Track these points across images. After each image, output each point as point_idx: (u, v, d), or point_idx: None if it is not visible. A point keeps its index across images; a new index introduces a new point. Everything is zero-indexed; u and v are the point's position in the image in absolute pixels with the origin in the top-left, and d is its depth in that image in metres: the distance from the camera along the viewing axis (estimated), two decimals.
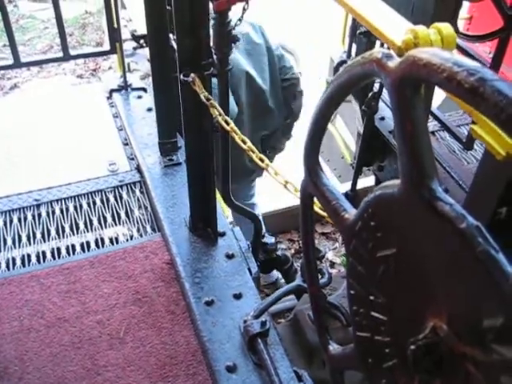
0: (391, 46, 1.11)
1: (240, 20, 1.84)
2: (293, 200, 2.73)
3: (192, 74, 1.87)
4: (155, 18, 2.41)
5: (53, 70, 6.24)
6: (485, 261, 0.66)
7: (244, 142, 1.78)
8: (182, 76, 1.90)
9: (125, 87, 3.21)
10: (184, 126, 2.12)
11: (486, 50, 3.97)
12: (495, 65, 2.66)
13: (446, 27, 1.07)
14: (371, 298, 0.97)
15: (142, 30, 2.54)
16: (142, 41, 2.55)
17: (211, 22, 1.82)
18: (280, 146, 3.56)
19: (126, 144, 2.95)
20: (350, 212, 0.99)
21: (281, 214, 4.27)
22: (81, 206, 2.66)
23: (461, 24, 4.33)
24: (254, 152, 1.79)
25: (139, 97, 3.19)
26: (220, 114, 1.84)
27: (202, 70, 1.87)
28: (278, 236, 4.13)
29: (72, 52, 3.17)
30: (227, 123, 1.83)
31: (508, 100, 0.56)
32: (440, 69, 0.63)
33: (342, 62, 3.42)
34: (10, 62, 3.06)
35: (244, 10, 1.80)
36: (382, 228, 0.88)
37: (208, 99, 1.85)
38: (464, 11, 4.28)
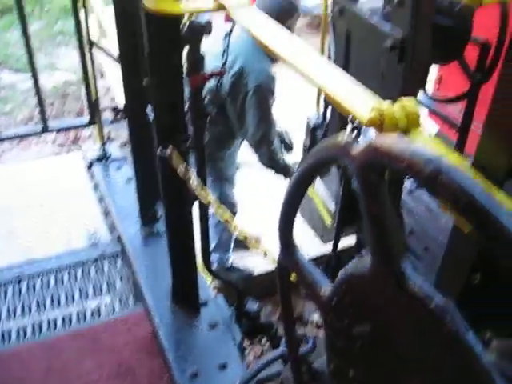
0: (359, 121, 1.15)
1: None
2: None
3: (169, 149, 1.90)
4: (133, 92, 2.46)
5: (33, 140, 6.26)
6: (454, 340, 0.67)
7: (223, 214, 1.80)
8: (159, 150, 1.94)
9: (104, 158, 3.24)
10: (163, 198, 2.14)
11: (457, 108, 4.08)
12: (465, 125, 2.74)
13: (409, 104, 1.12)
14: (350, 370, 0.98)
15: (121, 97, 2.59)
16: (120, 114, 2.60)
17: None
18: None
19: (107, 215, 2.96)
20: (326, 287, 1.00)
21: (264, 276, 4.26)
22: (62, 279, 2.64)
23: (431, 84, 4.46)
24: (232, 220, 1.81)
25: (119, 167, 3.22)
26: (198, 187, 1.87)
27: (179, 145, 1.91)
28: (261, 300, 4.11)
29: (52, 123, 3.21)
30: (205, 195, 1.86)
31: (463, 189, 0.59)
32: (400, 158, 0.66)
33: (316, 126, 3.50)
34: None
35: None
36: (355, 305, 0.90)
37: (186, 172, 1.88)
38: (433, 73, 4.42)
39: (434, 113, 2.96)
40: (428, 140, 1.07)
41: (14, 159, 5.92)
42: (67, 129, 3.91)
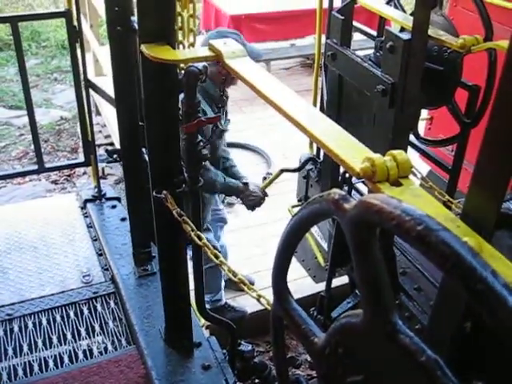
0: (351, 172, 1.18)
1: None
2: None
3: (164, 192, 1.93)
4: (128, 133, 2.49)
5: (28, 176, 6.29)
6: None
7: (216, 257, 1.82)
8: (154, 193, 1.96)
9: (99, 197, 3.26)
10: (157, 239, 2.15)
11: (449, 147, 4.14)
12: (456, 167, 2.79)
13: (400, 154, 1.15)
14: None
15: (115, 134, 2.62)
16: (115, 155, 2.63)
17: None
18: None
19: (101, 254, 2.97)
20: (319, 336, 1.01)
21: (258, 315, 4.24)
22: (54, 319, 2.63)
23: (422, 124, 4.53)
24: (225, 264, 1.83)
25: (113, 206, 3.23)
26: (193, 230, 1.88)
27: (174, 188, 1.93)
28: (255, 339, 4.09)
29: (47, 161, 3.24)
30: (200, 238, 1.87)
31: (451, 250, 0.61)
32: (390, 216, 0.68)
33: (308, 160, 3.55)
34: None
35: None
36: (348, 355, 0.91)
37: (180, 215, 1.90)
38: (425, 112, 4.49)
39: (424, 155, 3.01)
40: (418, 192, 1.10)
41: (7, 195, 5.95)
42: (63, 167, 3.95)
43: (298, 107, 1.39)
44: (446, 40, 2.35)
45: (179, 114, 1.85)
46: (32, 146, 7.09)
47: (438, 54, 2.49)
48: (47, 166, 3.21)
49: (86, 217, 3.25)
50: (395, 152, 1.14)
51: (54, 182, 6.25)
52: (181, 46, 1.80)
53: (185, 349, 2.39)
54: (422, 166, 3.74)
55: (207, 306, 3.90)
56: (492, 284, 0.57)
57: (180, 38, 1.77)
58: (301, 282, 4.16)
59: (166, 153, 1.92)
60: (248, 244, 4.46)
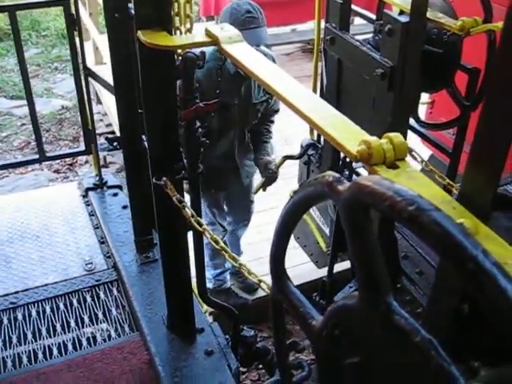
0: (348, 155, 1.18)
1: None
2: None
3: (164, 178, 1.93)
4: (128, 121, 2.50)
5: (30, 166, 6.30)
6: (438, 374, 0.69)
7: (216, 242, 1.82)
8: (154, 180, 1.96)
9: (100, 186, 3.27)
10: (158, 226, 2.16)
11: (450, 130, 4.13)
12: (456, 150, 2.78)
13: (396, 136, 1.15)
14: None
15: (116, 123, 2.60)
16: (115, 143, 2.63)
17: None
18: None
19: (103, 242, 2.98)
20: (317, 319, 1.02)
21: (261, 301, 4.26)
22: (58, 307, 2.64)
23: (423, 108, 4.51)
24: (226, 252, 1.83)
25: (115, 194, 3.24)
26: (192, 216, 1.89)
27: (174, 174, 1.93)
28: (258, 325, 4.10)
29: (48, 150, 3.24)
30: (200, 224, 1.88)
31: (442, 229, 0.61)
32: (382, 197, 0.69)
33: (308, 145, 3.56)
34: None
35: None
36: (345, 337, 0.92)
37: (180, 201, 1.90)
38: (426, 96, 4.48)
39: (425, 138, 3.00)
40: (415, 174, 1.10)
41: (10, 184, 5.96)
42: (64, 156, 3.96)
43: (296, 92, 1.39)
44: (445, 22, 2.34)
45: (177, 101, 1.84)
46: (33, 136, 7.14)
47: (437, 37, 2.47)
48: (48, 155, 3.21)
49: (88, 205, 3.26)
50: (391, 134, 1.14)
51: (57, 172, 6.25)
52: (178, 33, 1.78)
53: (187, 335, 2.41)
54: (424, 151, 3.73)
55: (210, 285, 3.94)
56: (482, 263, 0.57)
57: (177, 24, 1.76)
58: (304, 268, 4.16)
59: (165, 139, 1.92)
60: (249, 230, 4.46)
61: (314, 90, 3.49)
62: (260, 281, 1.73)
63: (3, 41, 10.19)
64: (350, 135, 1.21)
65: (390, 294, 0.78)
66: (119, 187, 3.29)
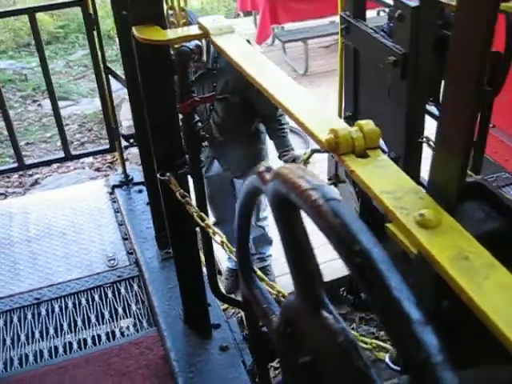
0: (319, 144, 1.13)
1: None
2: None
3: (167, 173, 1.92)
4: (141, 116, 2.49)
5: (72, 165, 6.42)
6: (358, 376, 0.65)
7: (219, 238, 1.80)
8: (159, 175, 1.96)
9: (126, 183, 3.30)
10: (167, 221, 2.16)
11: None
12: (481, 133, 2.67)
13: (367, 124, 1.10)
14: None
15: None
16: (131, 140, 2.64)
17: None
18: None
19: (126, 239, 3.00)
20: (278, 315, 0.98)
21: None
22: (80, 302, 2.68)
23: None
24: (229, 248, 1.81)
25: (140, 191, 3.27)
26: (196, 212, 1.87)
27: (177, 169, 1.92)
28: None
29: (74, 150, 3.29)
30: (202, 219, 1.86)
31: (340, 220, 0.57)
32: (294, 187, 0.65)
33: None
34: (15, 164, 3.19)
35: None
36: (295, 335, 0.88)
37: (184, 196, 1.89)
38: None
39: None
40: (384, 164, 1.04)
41: (53, 183, 6.10)
42: (89, 154, 4.05)
43: (279, 82, 1.35)
44: None
45: (176, 96, 1.83)
46: (76, 135, 7.29)
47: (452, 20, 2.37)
48: (73, 153, 3.26)
49: (114, 202, 3.29)
50: (362, 122, 1.09)
51: (98, 170, 6.35)
52: (173, 28, 1.77)
53: (203, 330, 2.40)
54: None
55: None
56: (371, 253, 0.53)
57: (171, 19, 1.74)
58: (332, 265, 4.08)
59: (166, 135, 1.91)
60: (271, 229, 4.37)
61: (340, 83, 3.41)
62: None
63: (51, 44, 10.44)
64: (324, 123, 1.17)
65: (320, 288, 0.74)
66: (144, 184, 3.31)
